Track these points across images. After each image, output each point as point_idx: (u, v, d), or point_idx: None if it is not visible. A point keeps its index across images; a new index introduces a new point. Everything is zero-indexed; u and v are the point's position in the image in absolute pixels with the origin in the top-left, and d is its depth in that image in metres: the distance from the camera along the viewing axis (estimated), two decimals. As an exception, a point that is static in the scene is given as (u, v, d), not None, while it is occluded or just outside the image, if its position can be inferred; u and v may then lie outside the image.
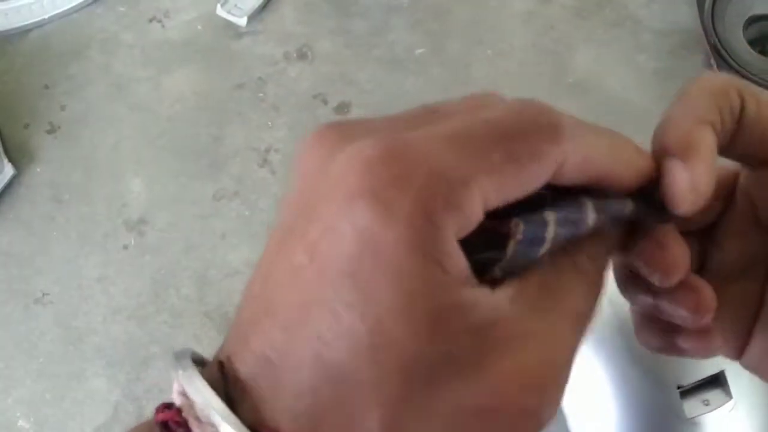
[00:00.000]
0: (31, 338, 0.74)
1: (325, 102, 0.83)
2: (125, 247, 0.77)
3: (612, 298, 0.56)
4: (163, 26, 0.86)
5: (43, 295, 0.75)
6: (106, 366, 0.74)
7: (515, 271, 0.22)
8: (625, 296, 0.29)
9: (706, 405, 0.55)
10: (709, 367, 0.55)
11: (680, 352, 0.29)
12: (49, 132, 0.81)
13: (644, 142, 0.83)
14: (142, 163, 0.80)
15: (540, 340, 0.22)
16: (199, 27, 0.86)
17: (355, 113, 0.82)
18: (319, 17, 0.86)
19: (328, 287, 0.21)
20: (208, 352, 0.75)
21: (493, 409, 0.21)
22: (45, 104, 0.83)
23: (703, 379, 0.55)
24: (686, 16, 0.86)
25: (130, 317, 0.75)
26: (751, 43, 0.80)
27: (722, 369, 0.55)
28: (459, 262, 0.21)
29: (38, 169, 0.80)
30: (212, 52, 0.85)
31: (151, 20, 0.87)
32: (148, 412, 0.71)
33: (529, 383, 0.21)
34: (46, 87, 0.83)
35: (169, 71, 0.84)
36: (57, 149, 0.81)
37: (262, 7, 0.86)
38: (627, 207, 0.25)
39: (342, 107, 0.82)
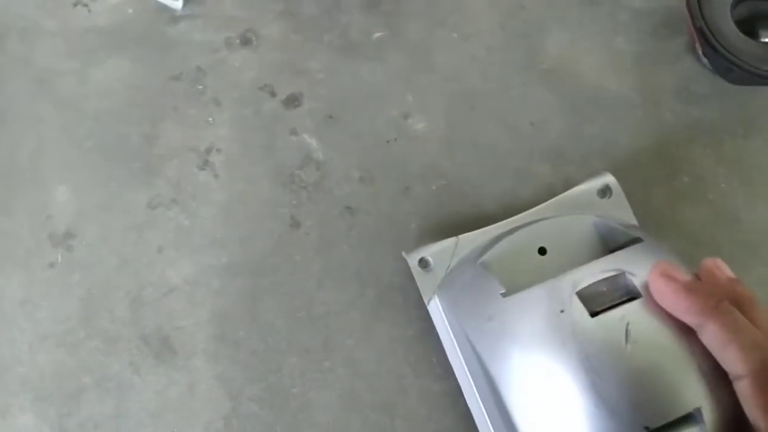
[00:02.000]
0: (-56, 372, 0.66)
1: (273, 94, 0.74)
2: (51, 265, 0.69)
3: (576, 331, 0.50)
4: (89, 11, 0.77)
5: (-41, 321, 0.67)
6: (33, 400, 0.66)
7: None
8: None
9: None
10: (682, 404, 0.49)
11: None
12: (-39, 134, 0.72)
13: (623, 130, 0.73)
14: (67, 168, 0.71)
15: None
16: (130, 11, 0.77)
17: (307, 106, 0.74)
18: (264, -1, 0.77)
19: None
20: (145, 381, 0.66)
21: None
22: (-44, 102, 0.73)
23: (675, 418, 0.49)
24: (668, -8, 0.79)
25: (58, 344, 0.67)
26: (739, 23, 0.73)
27: (698, 407, 0.49)
28: None
29: (-51, 178, 0.71)
30: (145, 39, 0.75)
31: (75, 5, 0.77)
32: (80, 453, 0.64)
33: None
34: (-43, 82, 0.74)
35: (96, 62, 0.75)
36: (-29, 153, 0.72)
37: (200, -12, 0.77)
38: None
39: (292, 100, 0.74)
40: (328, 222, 0.70)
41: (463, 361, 0.61)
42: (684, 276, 0.51)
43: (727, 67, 0.72)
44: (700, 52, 0.74)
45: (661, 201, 0.72)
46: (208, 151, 0.72)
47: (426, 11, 0.77)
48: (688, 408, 0.49)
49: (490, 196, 0.70)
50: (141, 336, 0.67)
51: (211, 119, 0.73)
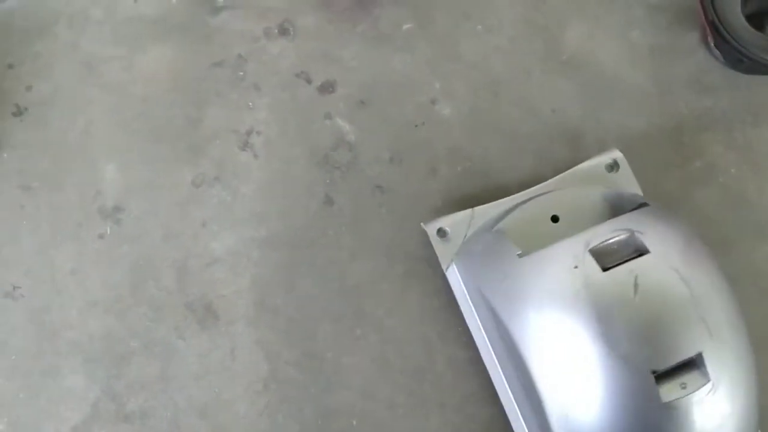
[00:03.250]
0: (1, 334, 0.70)
1: (309, 81, 0.79)
2: (101, 236, 0.73)
3: (589, 284, 0.55)
4: (135, 0, 0.81)
5: (14, 288, 0.71)
6: (83, 362, 0.70)
7: None
8: None
9: (683, 389, 0.54)
10: (685, 349, 0.54)
11: None
12: (15, 115, 0.77)
13: (637, 118, 0.79)
14: (115, 147, 0.76)
15: None
16: (174, 1, 0.81)
17: (340, 92, 0.78)
18: (300, -9, 0.82)
19: None
20: (189, 345, 0.72)
21: None
22: (9, 85, 0.78)
23: (679, 362, 0.54)
24: (681, -11, 0.83)
25: (107, 311, 0.71)
26: (750, 18, 0.77)
27: (700, 351, 0.54)
28: None
29: (4, 155, 0.75)
30: (188, 28, 0.80)
31: (121, -6, 0.82)
32: (129, 409, 0.68)
33: None
34: (10, 66, 0.78)
35: (142, 49, 0.79)
36: (24, 133, 0.76)
37: (240, -19, 0.82)
38: None
39: (326, 86, 0.79)
40: (360, 200, 0.75)
41: (480, 324, 0.66)
42: None
43: (738, 58, 0.76)
44: (712, 44, 0.78)
45: (674, 184, 0.76)
46: (249, 133, 0.77)
47: (452, 4, 0.82)
48: (691, 353, 0.54)
49: (512, 176, 0.75)
50: (185, 303, 0.71)
51: (251, 103, 0.78)
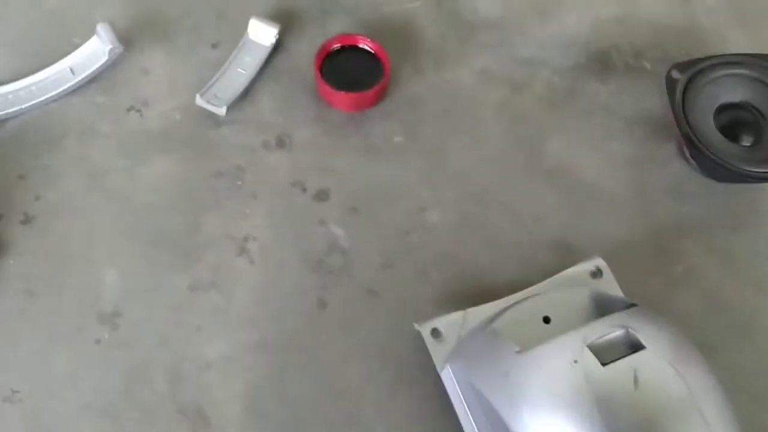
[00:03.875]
0: (-5, 439, 0.71)
1: (304, 189, 0.83)
2: (97, 341, 0.75)
3: (590, 379, 0.56)
4: (141, 116, 0.87)
5: (12, 392, 0.73)
6: (74, 467, 0.70)
7: None
8: None
9: None
10: None
11: None
12: (23, 223, 0.80)
13: (618, 225, 0.83)
14: (116, 253, 0.79)
15: None
16: (178, 116, 0.86)
17: (334, 200, 0.82)
18: (297, 107, 0.87)
19: None
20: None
21: None
22: (20, 194, 0.82)
23: None
24: (657, 104, 0.88)
25: (101, 414, 0.72)
26: (722, 130, 0.82)
27: None
28: None
29: (11, 261, 0.78)
30: (190, 141, 0.85)
31: (129, 110, 0.87)
32: None
33: None
34: (21, 177, 0.82)
35: (146, 161, 0.84)
36: (30, 240, 0.80)
37: (242, 97, 0.87)
38: None
39: (321, 194, 0.82)
40: (353, 303, 0.77)
41: (475, 426, 0.67)
42: None
43: (713, 167, 0.80)
44: (688, 155, 0.82)
45: (656, 288, 0.78)
46: (245, 239, 0.80)
47: (440, 119, 0.87)
48: None
49: (501, 280, 0.77)
50: (178, 408, 0.72)
51: (248, 211, 0.81)
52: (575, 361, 0.59)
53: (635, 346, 0.60)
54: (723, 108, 0.83)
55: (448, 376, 0.70)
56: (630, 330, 0.60)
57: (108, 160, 0.84)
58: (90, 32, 0.87)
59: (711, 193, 0.83)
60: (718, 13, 0.96)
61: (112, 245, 0.79)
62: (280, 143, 0.85)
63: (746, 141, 0.83)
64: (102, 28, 0.86)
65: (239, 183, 0.82)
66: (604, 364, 0.58)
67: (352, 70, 0.86)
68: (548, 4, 0.96)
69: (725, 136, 0.82)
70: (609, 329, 0.61)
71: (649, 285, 0.78)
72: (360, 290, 0.78)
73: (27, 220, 0.80)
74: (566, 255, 0.79)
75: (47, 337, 0.75)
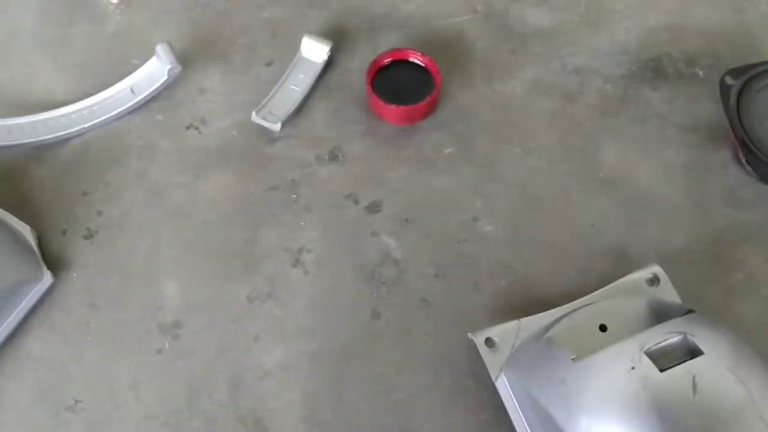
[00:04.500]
0: (63, 447, 0.73)
1: (356, 201, 0.84)
2: (159, 351, 0.77)
3: (647, 385, 0.56)
4: (199, 133, 0.89)
5: (75, 402, 0.75)
6: (138, 475, 0.72)
7: None
8: None
9: None
10: None
11: None
12: (86, 237, 0.83)
13: (675, 233, 0.82)
14: (177, 266, 0.81)
15: None
16: (234, 133, 0.89)
17: (386, 212, 0.83)
18: (349, 121, 0.89)
19: None
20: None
21: None
22: (82, 210, 0.84)
23: None
24: (710, 110, 0.87)
25: (163, 424, 0.74)
26: (778, 133, 0.81)
27: None
28: None
29: (74, 275, 0.81)
30: (247, 156, 0.87)
31: (188, 127, 0.89)
32: None
33: None
34: (84, 194, 0.85)
35: (205, 176, 0.86)
36: (93, 255, 0.82)
37: (296, 113, 0.89)
38: None
39: (373, 206, 0.83)
40: (406, 314, 0.77)
41: None
42: None
43: (770, 173, 0.79)
44: (744, 161, 0.81)
45: (716, 296, 0.77)
46: (300, 251, 0.81)
47: (492, 129, 0.87)
48: None
49: (555, 289, 0.77)
50: (237, 417, 0.73)
51: (303, 223, 0.83)
52: (633, 368, 0.58)
53: (694, 352, 0.59)
54: (781, 112, 0.82)
55: (503, 385, 0.70)
56: (688, 336, 0.60)
57: (168, 176, 0.87)
58: (149, 53, 0.90)
59: (770, 199, 0.82)
60: (772, 18, 0.95)
61: (172, 258, 0.82)
62: (333, 157, 0.87)
63: (804, 146, 0.81)
64: (161, 49, 0.89)
65: (294, 196, 0.84)
66: (662, 370, 0.58)
67: (403, 84, 0.87)
68: (598, 14, 0.96)
69: (783, 141, 0.81)
70: (666, 335, 0.60)
71: (708, 293, 0.77)
72: (413, 300, 0.78)
73: (90, 235, 0.83)
74: (623, 264, 0.78)
75: (110, 348, 0.77)
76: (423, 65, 0.89)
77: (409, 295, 0.78)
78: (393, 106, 0.85)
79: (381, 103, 0.86)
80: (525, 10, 0.96)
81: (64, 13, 0.98)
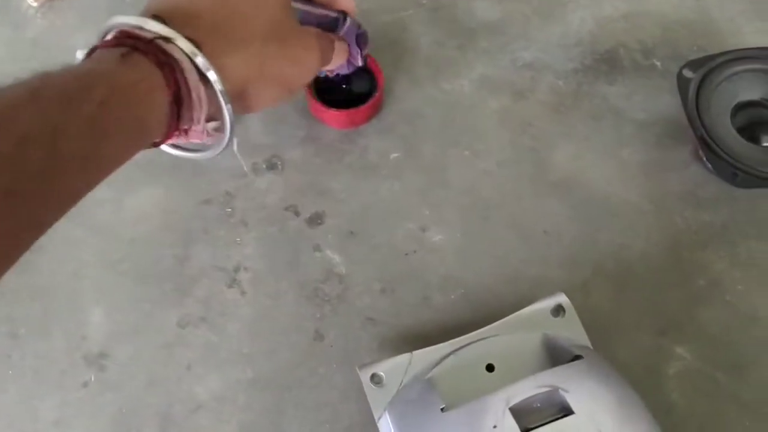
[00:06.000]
0: (-22, 494, 0.67)
1: (297, 214, 0.78)
2: (84, 384, 0.71)
3: None
4: (126, 144, 0.83)
5: (-5, 442, 0.69)
6: None
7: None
8: None
9: None
10: None
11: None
12: (5, 262, 0.77)
13: (633, 236, 0.76)
14: (102, 290, 0.75)
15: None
16: (164, 143, 0.82)
17: (329, 224, 0.78)
18: (288, 126, 0.83)
19: None
20: None
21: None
22: (2, 232, 0.78)
23: None
24: (669, 104, 0.83)
25: (88, 464, 0.68)
26: (740, 130, 0.76)
27: None
28: None
29: (-8, 303, 0.75)
30: (177, 168, 0.81)
31: (113, 138, 0.83)
32: None
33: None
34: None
35: (132, 191, 0.80)
36: (14, 279, 0.75)
37: (228, 120, 0.83)
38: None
39: (315, 218, 0.78)
40: (351, 334, 0.72)
41: None
42: None
43: (732, 172, 0.74)
44: (704, 159, 0.77)
45: (678, 304, 0.72)
46: (236, 269, 0.75)
47: (439, 132, 0.82)
48: None
49: (508, 302, 0.72)
50: (169, 453, 0.68)
51: (239, 239, 0.77)
52: (495, 427, 0.52)
53: (565, 410, 0.53)
54: (740, 107, 0.78)
55: (385, 426, 0.63)
56: (560, 390, 0.53)
57: (93, 192, 0.80)
58: (73, 59, 0.83)
59: (732, 198, 0.77)
60: (732, 4, 0.90)
61: (97, 281, 0.76)
62: (271, 165, 0.81)
63: (766, 141, 0.77)
64: (83, 55, 0.82)
65: (228, 210, 0.78)
66: (526, 431, 0.52)
67: (344, 86, 0.82)
68: (550, 4, 0.91)
69: (744, 138, 0.76)
70: (536, 389, 0.53)
71: (669, 300, 0.72)
72: (358, 319, 0.73)
73: (10, 259, 0.77)
74: (580, 270, 0.74)
75: (32, 382, 0.71)
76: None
77: (354, 314, 0.73)
78: (334, 110, 0.80)
79: (321, 106, 0.80)
80: (473, 3, 0.91)
81: (-21, 18, 0.91)
